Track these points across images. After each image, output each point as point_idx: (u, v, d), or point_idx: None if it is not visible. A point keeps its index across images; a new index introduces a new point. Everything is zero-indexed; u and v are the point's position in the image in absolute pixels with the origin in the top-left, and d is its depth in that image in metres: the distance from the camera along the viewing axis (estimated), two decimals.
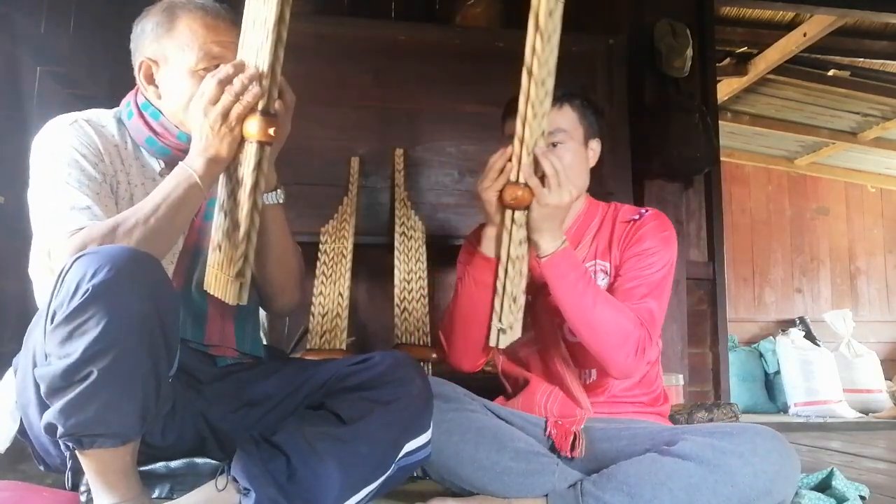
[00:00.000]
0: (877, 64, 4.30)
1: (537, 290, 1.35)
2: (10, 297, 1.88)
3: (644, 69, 2.81)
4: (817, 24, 3.62)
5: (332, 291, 2.23)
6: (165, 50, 1.19)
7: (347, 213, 2.38)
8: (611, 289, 1.35)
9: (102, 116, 1.23)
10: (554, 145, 1.35)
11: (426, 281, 2.32)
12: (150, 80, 1.21)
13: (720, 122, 3.38)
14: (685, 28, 2.79)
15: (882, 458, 2.32)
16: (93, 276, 0.90)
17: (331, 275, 2.26)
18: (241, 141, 1.07)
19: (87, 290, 0.89)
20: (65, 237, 1.02)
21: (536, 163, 1.19)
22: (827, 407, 4.14)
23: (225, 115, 1.04)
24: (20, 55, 2.10)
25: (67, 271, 0.93)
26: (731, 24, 3.90)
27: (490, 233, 1.27)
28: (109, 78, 2.43)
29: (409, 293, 2.28)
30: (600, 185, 2.63)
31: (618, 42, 2.77)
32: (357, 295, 2.45)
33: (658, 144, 2.70)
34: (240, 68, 1.05)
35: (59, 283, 0.93)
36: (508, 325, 1.21)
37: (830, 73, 4.34)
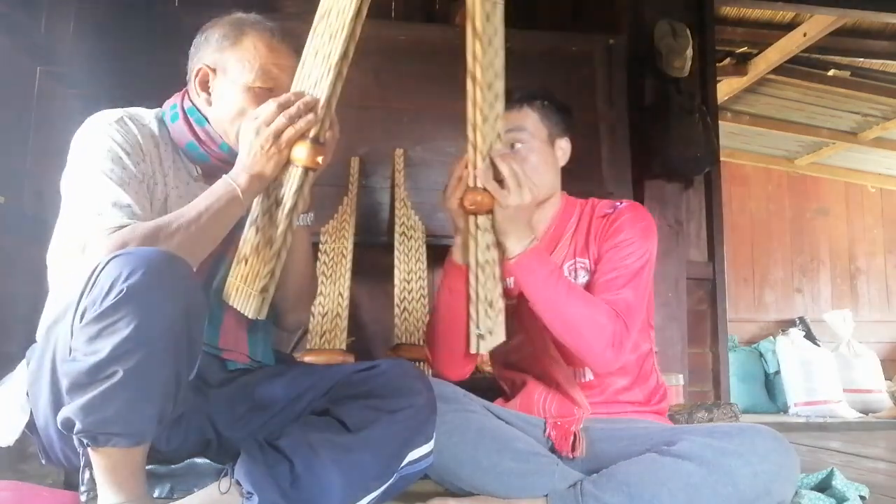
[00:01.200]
0: (877, 64, 4.30)
1: (521, 294, 1.35)
2: (13, 297, 1.88)
3: (644, 69, 2.82)
4: (817, 24, 3.62)
5: (332, 291, 2.23)
6: (226, 61, 1.21)
7: (347, 213, 2.38)
8: (590, 283, 1.35)
9: (144, 115, 1.24)
10: (513, 146, 1.36)
11: (426, 281, 2.32)
12: (205, 86, 1.22)
13: (720, 122, 3.37)
14: (685, 28, 2.79)
15: (882, 458, 2.32)
16: (128, 277, 0.91)
17: (331, 275, 2.26)
18: (286, 164, 1.10)
19: (122, 290, 0.90)
20: (104, 233, 1.02)
21: (495, 166, 1.20)
22: (827, 407, 4.14)
23: (277, 137, 1.07)
24: (20, 55, 2.10)
25: (101, 270, 0.93)
26: (731, 24, 3.90)
27: (459, 241, 1.29)
28: (109, 78, 2.43)
29: (409, 293, 2.28)
30: (600, 186, 2.64)
31: (618, 42, 2.77)
32: (357, 295, 2.44)
33: (658, 144, 2.70)
34: (299, 97, 1.09)
35: (92, 281, 0.94)
36: (487, 330, 1.21)
37: (830, 73, 4.34)
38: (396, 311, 2.26)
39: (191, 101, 1.24)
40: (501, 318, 1.23)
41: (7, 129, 1.97)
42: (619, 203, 1.41)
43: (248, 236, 1.11)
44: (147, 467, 1.17)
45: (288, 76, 1.17)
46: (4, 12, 1.96)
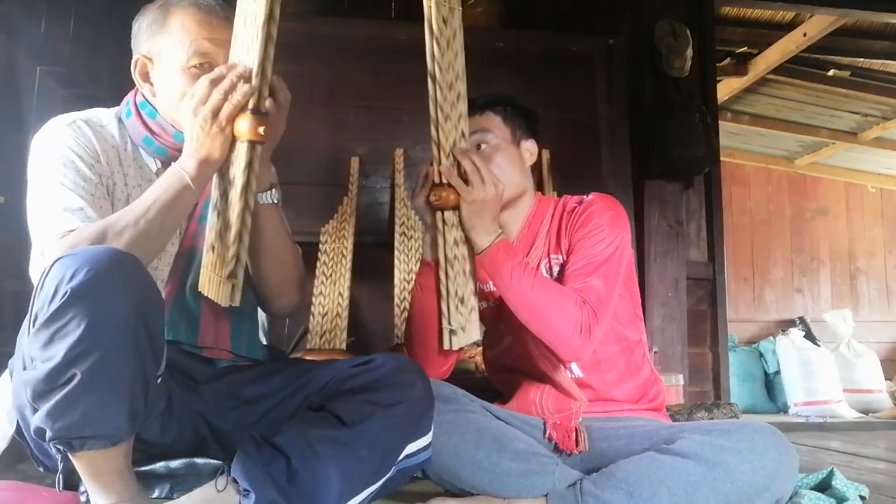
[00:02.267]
0: (877, 64, 4.30)
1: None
2: (13, 297, 1.88)
3: (644, 69, 2.82)
4: (817, 24, 3.62)
5: (332, 291, 2.23)
6: (159, 47, 1.18)
7: (347, 213, 2.39)
8: (562, 276, 1.36)
9: (103, 116, 1.23)
10: (479, 147, 1.40)
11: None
12: (146, 77, 1.21)
13: (720, 122, 3.38)
14: (685, 28, 2.80)
15: (882, 458, 2.32)
16: (71, 278, 0.89)
17: (331, 275, 2.27)
18: (234, 141, 1.06)
19: (66, 292, 0.89)
20: (55, 239, 1.02)
21: (460, 164, 1.22)
22: (827, 407, 4.14)
23: (215, 115, 1.03)
24: (20, 55, 2.10)
25: (47, 274, 0.92)
26: (731, 24, 3.90)
27: (429, 238, 1.31)
28: (109, 78, 2.43)
29: (409, 293, 2.28)
30: (600, 186, 2.65)
31: (618, 42, 2.77)
32: (357, 295, 2.45)
33: (658, 144, 2.70)
34: (230, 69, 1.04)
35: (39, 286, 0.93)
36: (459, 327, 1.21)
37: (830, 73, 4.34)
38: (396, 311, 2.26)
39: (141, 94, 1.22)
40: (474, 315, 1.23)
41: (7, 129, 1.97)
42: (586, 196, 1.43)
43: (212, 223, 1.07)
44: (147, 467, 1.17)
45: (224, 49, 1.13)
46: (4, 12, 1.96)
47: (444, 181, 1.22)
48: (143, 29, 1.21)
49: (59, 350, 0.89)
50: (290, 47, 2.55)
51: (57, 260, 0.93)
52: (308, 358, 2.02)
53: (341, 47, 2.59)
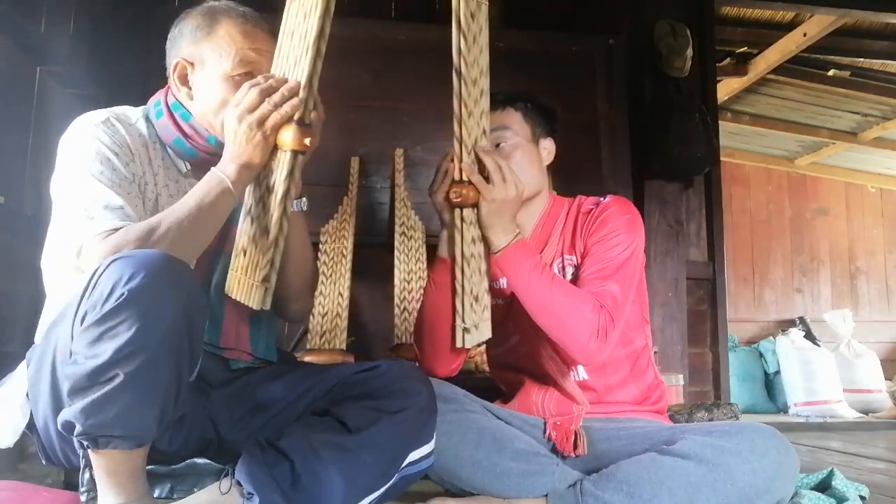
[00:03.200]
0: (877, 64, 4.30)
1: (513, 294, 1.35)
2: (14, 297, 1.88)
3: (644, 69, 2.82)
4: (817, 24, 3.62)
5: (332, 291, 2.23)
6: (203, 52, 1.19)
7: (347, 213, 2.39)
8: (577, 278, 1.36)
9: (131, 114, 1.23)
10: (498, 145, 1.38)
11: (426, 281, 2.32)
12: (184, 80, 1.22)
13: (720, 122, 3.38)
14: (685, 28, 2.80)
15: (882, 458, 2.32)
16: (128, 281, 0.90)
17: (331, 275, 2.27)
18: (274, 149, 1.08)
19: (123, 294, 0.90)
20: (98, 237, 1.02)
21: (481, 161, 1.22)
22: (827, 407, 4.14)
23: (261, 124, 1.05)
24: (20, 55, 2.10)
25: (102, 273, 0.93)
26: (731, 24, 3.90)
27: (445, 234, 1.31)
28: (109, 78, 2.43)
29: (409, 293, 2.28)
30: (600, 186, 2.65)
31: (618, 42, 2.77)
32: (357, 295, 2.45)
33: (658, 144, 2.70)
34: (280, 81, 1.06)
35: (91, 285, 0.93)
36: (473, 325, 1.22)
37: (830, 73, 4.34)
38: (396, 311, 2.26)
39: (174, 96, 1.23)
40: (487, 313, 1.24)
41: (7, 129, 1.97)
42: (603, 198, 1.42)
43: (245, 227, 1.10)
44: (147, 467, 1.17)
45: (266, 60, 1.15)
46: (4, 12, 1.96)
47: (465, 178, 1.21)
48: (185, 34, 1.21)
49: (107, 349, 0.90)
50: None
51: (113, 260, 0.93)
52: (308, 358, 2.02)
53: (341, 47, 2.57)
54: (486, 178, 1.21)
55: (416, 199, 2.49)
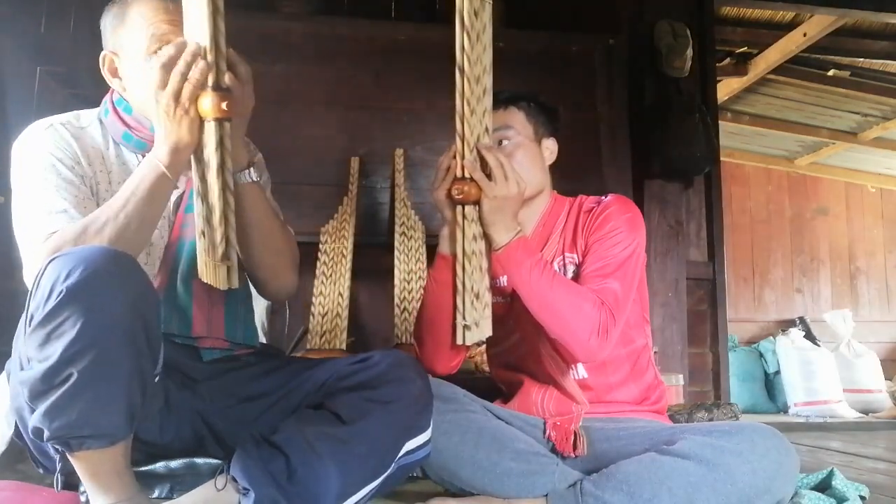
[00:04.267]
0: (877, 64, 4.29)
1: (515, 292, 1.36)
2: (13, 297, 1.88)
3: (644, 69, 2.82)
4: (817, 24, 3.62)
5: (332, 291, 2.23)
6: (121, 40, 1.19)
7: (347, 213, 2.39)
8: (578, 276, 1.36)
9: (84, 118, 1.23)
10: (501, 144, 1.39)
11: (426, 281, 2.32)
12: (115, 73, 1.21)
13: (720, 122, 3.37)
14: (685, 28, 2.79)
15: (882, 458, 2.32)
16: (66, 278, 0.90)
17: (331, 275, 2.27)
18: (201, 122, 1.04)
19: (62, 291, 0.89)
20: (40, 241, 1.03)
21: (483, 159, 1.22)
22: (827, 407, 4.14)
23: (176, 98, 1.01)
24: (20, 55, 2.10)
25: (42, 275, 0.93)
26: (731, 24, 3.90)
27: (446, 232, 1.30)
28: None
29: (409, 293, 2.28)
30: (600, 186, 2.65)
31: (618, 42, 2.77)
32: (357, 295, 2.45)
33: (658, 145, 2.70)
34: (181, 47, 1.02)
35: (34, 287, 0.93)
36: (473, 322, 1.21)
37: (830, 73, 4.34)
38: (396, 311, 2.26)
39: (116, 91, 1.23)
40: (488, 311, 1.23)
41: (7, 129, 1.97)
42: (604, 197, 1.42)
43: (198, 208, 1.07)
44: (147, 467, 1.17)
45: (182, 31, 1.11)
46: (4, 12, 1.96)
47: (467, 175, 1.21)
48: (106, 26, 1.21)
49: (56, 349, 0.89)
50: (291, 47, 2.56)
51: (52, 260, 0.93)
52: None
53: (341, 47, 2.59)
54: (488, 176, 1.22)
55: (416, 199, 2.49)
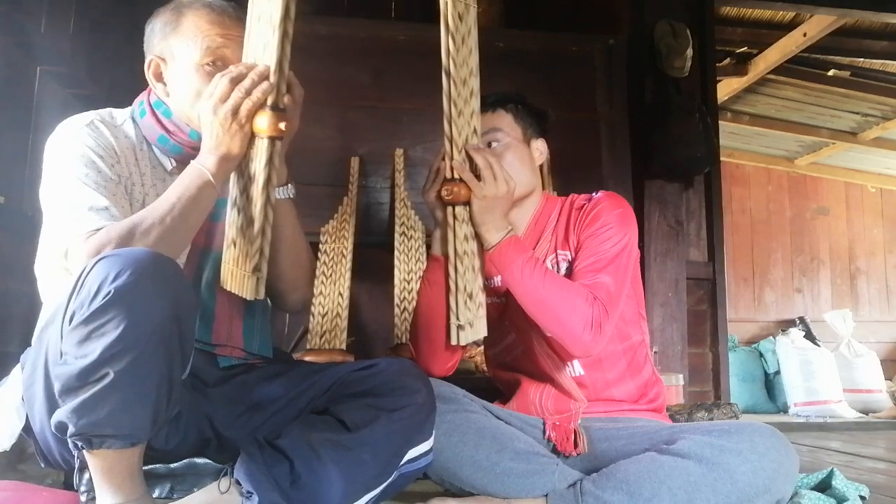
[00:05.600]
0: (877, 64, 4.30)
1: (509, 292, 1.36)
2: (14, 297, 1.88)
3: (644, 69, 2.82)
4: (817, 24, 3.62)
5: (332, 291, 2.23)
6: (172, 47, 1.20)
7: (347, 213, 2.39)
8: (570, 272, 1.36)
9: (118, 116, 1.24)
10: (490, 146, 1.40)
11: (420, 283, 2.32)
12: (160, 77, 1.22)
13: (720, 122, 3.38)
14: (685, 28, 2.79)
15: (882, 458, 2.32)
16: (115, 279, 0.90)
17: (331, 275, 2.27)
18: (252, 137, 1.08)
19: (109, 292, 0.90)
20: (83, 238, 1.02)
21: (472, 160, 1.23)
22: (827, 407, 4.14)
23: (235, 113, 1.05)
24: (20, 55, 2.10)
25: (88, 273, 0.93)
26: (731, 24, 3.90)
27: (438, 233, 1.32)
28: (109, 78, 2.43)
29: (409, 293, 2.28)
30: (600, 186, 2.64)
31: (618, 42, 2.77)
32: (357, 295, 2.45)
33: (658, 144, 2.70)
34: (249, 68, 1.06)
35: (79, 285, 0.93)
36: (467, 322, 1.22)
37: (830, 73, 4.34)
38: (396, 311, 2.26)
39: (156, 94, 1.23)
40: (482, 311, 1.24)
41: (7, 129, 1.97)
42: (595, 193, 1.43)
43: (232, 218, 1.10)
44: (147, 467, 1.17)
45: (237, 46, 1.15)
46: (4, 12, 1.96)
47: (456, 176, 1.23)
48: (156, 31, 1.22)
49: (96, 348, 0.90)
50: (290, 47, 2.55)
51: (99, 259, 0.94)
52: (308, 358, 2.02)
53: (341, 47, 2.59)
54: (478, 176, 1.23)
55: (416, 199, 2.49)
